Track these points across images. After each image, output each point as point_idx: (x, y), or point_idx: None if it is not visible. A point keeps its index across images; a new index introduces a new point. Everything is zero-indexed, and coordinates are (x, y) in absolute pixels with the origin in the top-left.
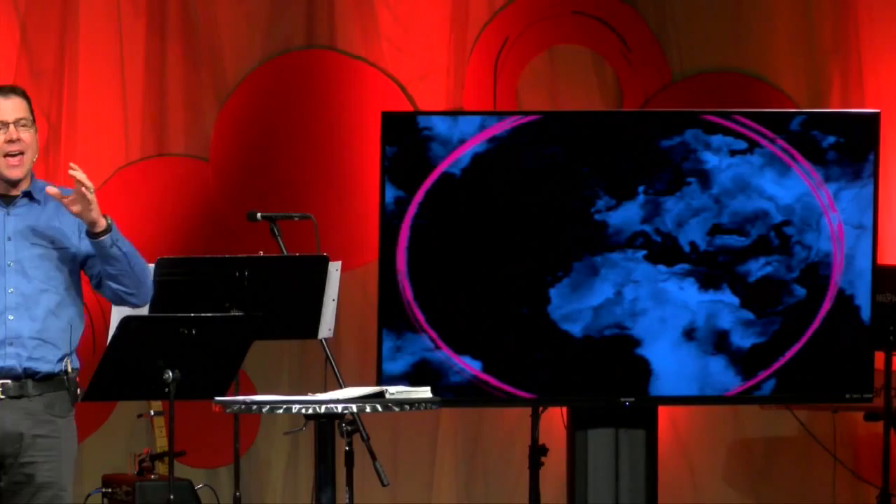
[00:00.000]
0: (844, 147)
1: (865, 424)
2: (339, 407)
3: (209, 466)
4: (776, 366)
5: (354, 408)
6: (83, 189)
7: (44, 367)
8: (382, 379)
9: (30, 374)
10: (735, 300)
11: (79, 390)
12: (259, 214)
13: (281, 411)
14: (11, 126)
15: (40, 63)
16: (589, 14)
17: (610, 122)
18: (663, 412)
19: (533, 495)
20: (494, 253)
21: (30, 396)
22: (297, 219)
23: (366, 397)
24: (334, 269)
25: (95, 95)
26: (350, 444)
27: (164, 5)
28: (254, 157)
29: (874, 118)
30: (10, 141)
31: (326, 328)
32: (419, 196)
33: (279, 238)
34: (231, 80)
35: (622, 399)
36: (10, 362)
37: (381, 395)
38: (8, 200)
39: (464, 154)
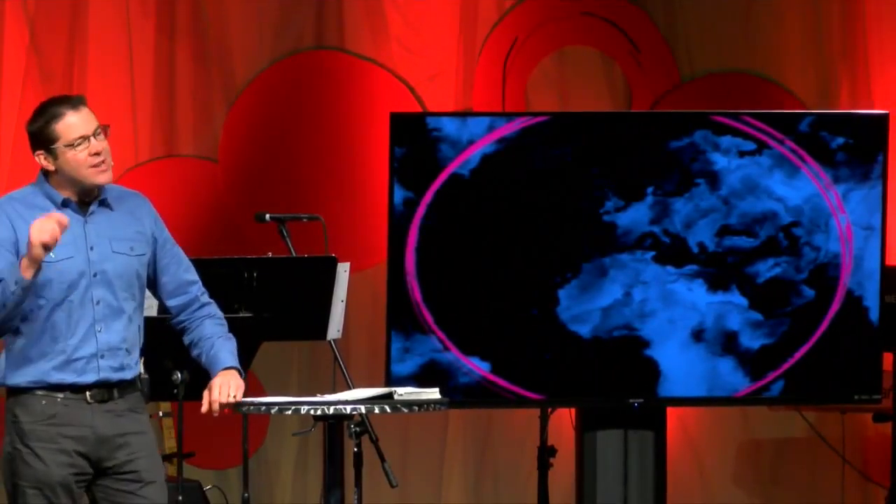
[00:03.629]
0: (853, 148)
1: (874, 425)
2: (348, 408)
3: (218, 468)
4: (785, 367)
5: (363, 409)
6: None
7: (129, 375)
8: (391, 380)
9: (118, 384)
10: (744, 301)
11: (147, 389)
12: (268, 215)
13: (290, 412)
14: (92, 139)
15: (49, 64)
16: (598, 15)
17: (619, 122)
18: (672, 413)
19: (542, 496)
20: (503, 254)
21: (115, 399)
22: (305, 220)
23: (374, 398)
24: (343, 271)
25: (104, 96)
26: (359, 445)
27: (174, 6)
28: (262, 157)
29: (883, 119)
30: (95, 154)
31: (335, 329)
32: (428, 197)
33: (288, 239)
34: (240, 81)
35: (631, 400)
36: (104, 374)
37: (389, 396)
38: (83, 209)
39: (473, 155)
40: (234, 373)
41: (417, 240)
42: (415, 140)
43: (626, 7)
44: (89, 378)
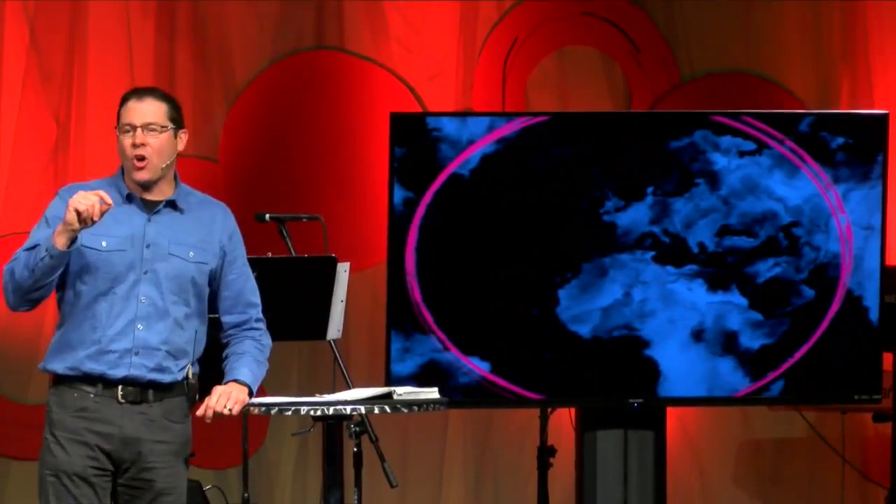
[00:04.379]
0: (853, 148)
1: (874, 425)
2: (348, 408)
3: (218, 468)
4: (785, 367)
5: (363, 409)
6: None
7: (166, 379)
8: (391, 380)
9: (152, 385)
10: (744, 301)
11: (196, 395)
12: (268, 215)
13: (290, 412)
14: (139, 130)
15: (49, 64)
16: (598, 15)
17: (619, 122)
18: (672, 413)
19: (541, 497)
20: (503, 254)
21: (150, 402)
22: (305, 220)
23: (374, 398)
24: (343, 271)
25: (104, 97)
26: (359, 445)
27: (173, 6)
28: (262, 158)
29: (883, 119)
30: (135, 145)
31: (335, 329)
32: (428, 197)
33: (288, 239)
34: (240, 81)
35: (631, 400)
36: (135, 372)
37: (389, 396)
38: (150, 207)
39: (472, 155)
40: (242, 387)
41: (417, 240)
42: (415, 140)
43: (626, 7)
44: (119, 372)
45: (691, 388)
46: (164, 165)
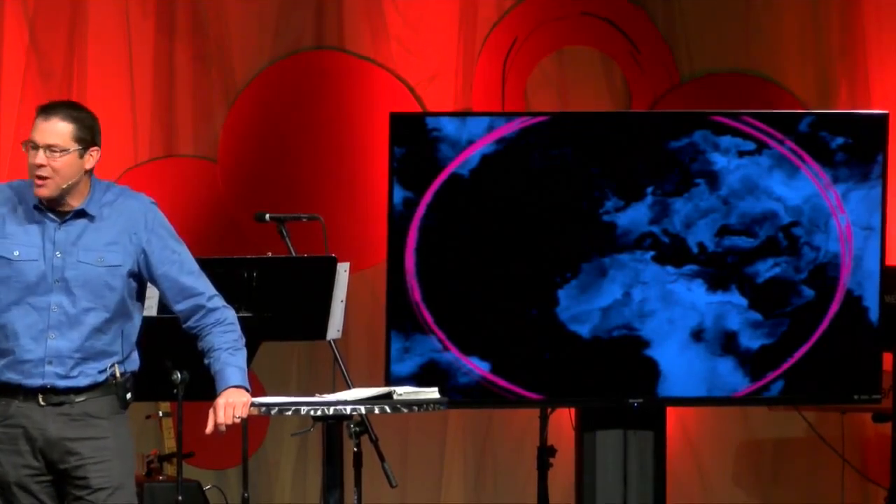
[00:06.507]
0: (853, 148)
1: (874, 425)
2: (348, 408)
3: (218, 468)
4: (784, 367)
5: (363, 409)
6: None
7: (84, 382)
8: (391, 380)
9: (72, 389)
10: (743, 301)
11: (129, 395)
12: (267, 215)
13: (290, 412)
14: (41, 150)
15: (49, 64)
16: (597, 15)
17: (618, 122)
18: (672, 413)
19: (541, 496)
20: (503, 254)
21: (71, 403)
22: (305, 220)
23: (374, 398)
24: (342, 270)
25: (104, 96)
26: (358, 445)
27: (173, 6)
28: (262, 157)
29: (883, 119)
30: (34, 165)
31: (335, 329)
32: (427, 197)
33: (287, 239)
34: (240, 81)
35: (631, 400)
36: (50, 381)
37: (389, 396)
38: (60, 215)
39: (472, 155)
40: (240, 391)
41: (417, 240)
42: (414, 140)
43: (625, 7)
44: (35, 382)
45: (691, 388)
46: (65, 185)
